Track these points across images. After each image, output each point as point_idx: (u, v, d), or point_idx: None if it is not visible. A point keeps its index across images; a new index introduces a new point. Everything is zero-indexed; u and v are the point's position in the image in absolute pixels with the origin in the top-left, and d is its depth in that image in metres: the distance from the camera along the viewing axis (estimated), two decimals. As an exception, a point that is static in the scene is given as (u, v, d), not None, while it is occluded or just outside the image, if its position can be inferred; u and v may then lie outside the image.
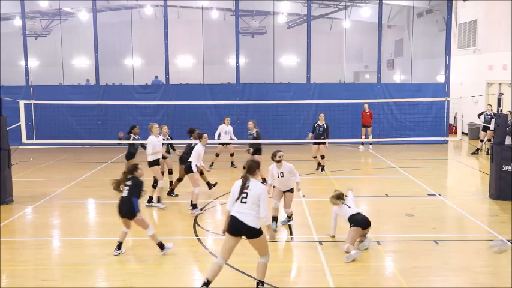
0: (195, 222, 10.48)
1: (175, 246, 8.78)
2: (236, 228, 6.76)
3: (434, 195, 12.58)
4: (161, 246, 8.57)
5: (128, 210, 8.39)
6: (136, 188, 8.44)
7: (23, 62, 22.10)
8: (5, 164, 12.01)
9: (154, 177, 11.92)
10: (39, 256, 8.74)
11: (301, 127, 20.54)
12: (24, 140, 13.34)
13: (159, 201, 11.73)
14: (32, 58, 24.36)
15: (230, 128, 16.19)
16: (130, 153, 13.28)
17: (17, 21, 25.68)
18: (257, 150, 13.94)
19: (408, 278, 7.55)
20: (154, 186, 11.99)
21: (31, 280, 7.74)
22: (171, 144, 13.41)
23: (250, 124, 14.28)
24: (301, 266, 8.38)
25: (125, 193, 8.45)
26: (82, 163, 17.76)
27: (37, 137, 15.16)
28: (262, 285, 7.01)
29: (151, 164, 11.68)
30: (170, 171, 13.33)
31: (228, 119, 16.27)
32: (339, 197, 9.02)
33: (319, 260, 8.28)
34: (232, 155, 16.36)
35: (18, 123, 13.12)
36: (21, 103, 13.17)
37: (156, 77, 25.07)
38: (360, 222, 8.79)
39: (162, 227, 10.73)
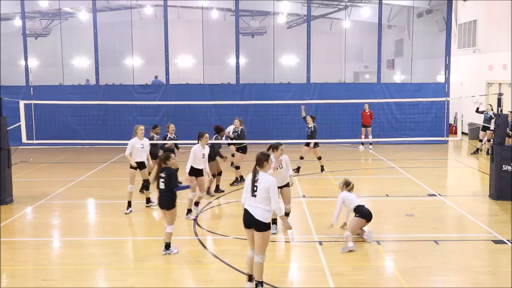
0: (195, 222, 10.47)
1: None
2: (247, 221, 6.95)
3: (434, 195, 12.58)
4: (168, 246, 8.59)
5: (166, 201, 8.51)
6: (171, 178, 8.51)
7: (23, 62, 22.10)
8: (5, 164, 12.01)
9: (144, 180, 11.65)
10: (39, 256, 8.74)
11: (301, 127, 20.43)
12: (24, 140, 13.35)
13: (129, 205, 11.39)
14: (32, 58, 24.35)
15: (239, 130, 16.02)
16: (154, 154, 13.01)
17: (17, 21, 25.68)
18: (241, 148, 13.95)
19: (408, 278, 7.54)
20: (147, 187, 11.71)
21: (31, 280, 7.74)
22: (176, 143, 13.44)
23: (236, 122, 14.32)
24: (301, 266, 8.37)
25: (161, 185, 8.53)
26: (82, 163, 17.76)
27: (37, 137, 15.16)
28: (262, 286, 7.01)
29: (131, 166, 11.33)
30: (176, 170, 13.33)
31: (237, 120, 16.02)
32: (348, 185, 9.35)
33: (319, 260, 8.28)
34: (233, 155, 16.32)
35: (18, 123, 13.13)
36: (21, 103, 13.18)
37: (156, 77, 25.08)
38: (366, 214, 9.06)
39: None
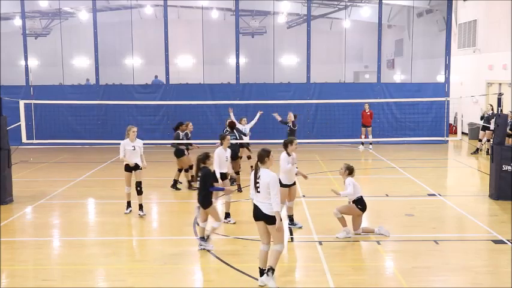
0: (195, 222, 10.45)
1: (175, 247, 8.80)
2: (256, 215, 7.13)
3: (434, 195, 12.58)
4: (204, 238, 8.74)
5: (202, 200, 8.64)
6: (205, 178, 8.59)
7: (23, 62, 22.11)
8: (5, 164, 12.00)
9: (137, 182, 11.21)
10: (39, 256, 8.74)
11: (301, 127, 20.50)
12: (24, 140, 13.35)
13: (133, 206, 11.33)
14: (32, 58, 24.35)
15: (247, 127, 15.85)
16: (179, 150, 13.04)
17: (17, 21, 25.67)
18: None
19: (408, 278, 7.54)
20: (140, 192, 11.27)
21: (31, 280, 7.74)
22: (189, 143, 13.47)
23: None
24: (301, 266, 8.37)
25: (198, 185, 8.69)
26: (82, 163, 17.76)
27: (37, 137, 15.16)
28: (272, 273, 7.07)
29: (125, 168, 11.12)
30: (187, 170, 13.35)
31: (245, 119, 15.87)
32: (351, 171, 9.32)
33: (319, 260, 8.27)
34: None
35: (18, 123, 13.13)
36: (21, 103, 13.19)
37: (156, 76, 25.08)
38: (365, 206, 9.21)
39: (162, 227, 10.76)
